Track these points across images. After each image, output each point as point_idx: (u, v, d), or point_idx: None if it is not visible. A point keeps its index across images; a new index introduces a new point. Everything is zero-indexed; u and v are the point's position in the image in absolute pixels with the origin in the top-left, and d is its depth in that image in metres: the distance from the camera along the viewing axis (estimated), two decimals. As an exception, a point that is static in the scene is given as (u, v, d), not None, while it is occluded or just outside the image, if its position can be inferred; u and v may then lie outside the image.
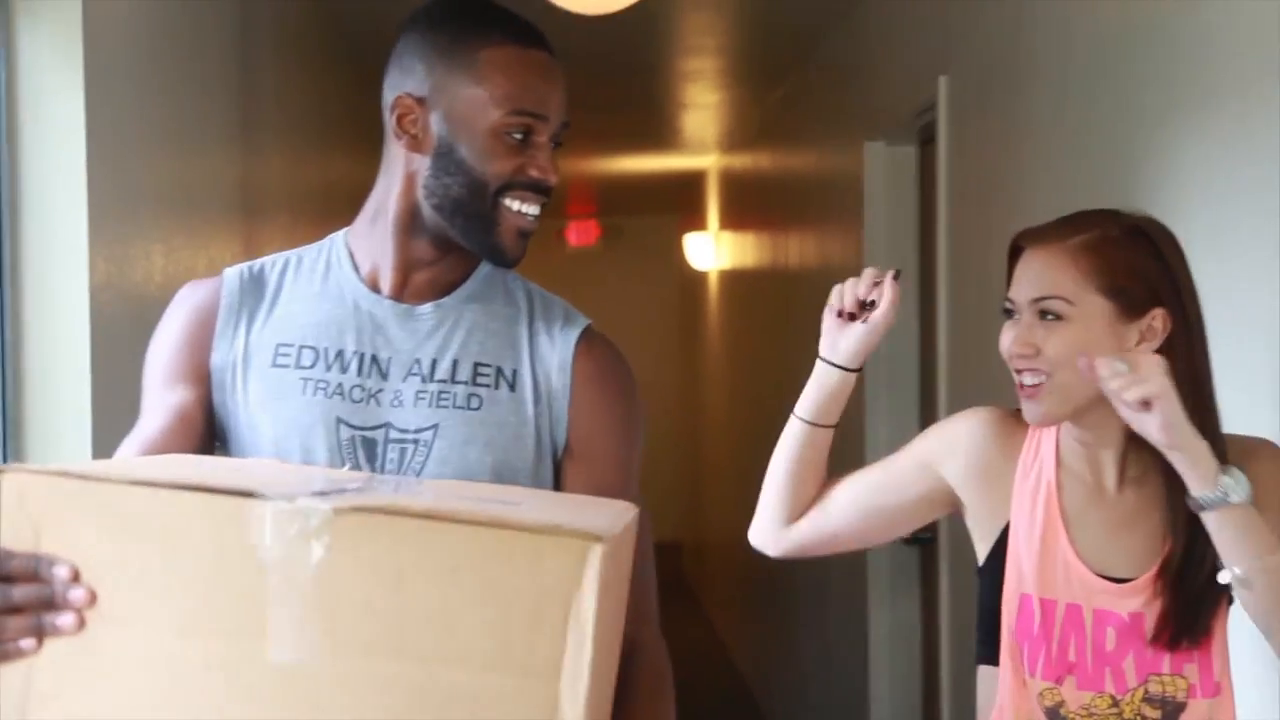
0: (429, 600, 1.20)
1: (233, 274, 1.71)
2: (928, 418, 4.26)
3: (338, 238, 1.75)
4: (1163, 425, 1.67)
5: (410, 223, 1.69)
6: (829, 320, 2.01)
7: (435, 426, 1.66)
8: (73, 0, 2.42)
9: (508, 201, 1.66)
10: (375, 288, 1.71)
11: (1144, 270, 1.79)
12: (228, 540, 1.21)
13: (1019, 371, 1.83)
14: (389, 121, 1.68)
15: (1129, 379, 1.68)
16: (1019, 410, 1.87)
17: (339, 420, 1.65)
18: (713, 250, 9.03)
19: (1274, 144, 2.11)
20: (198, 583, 1.22)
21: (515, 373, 1.71)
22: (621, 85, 6.30)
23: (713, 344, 9.27)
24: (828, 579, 5.44)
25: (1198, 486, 1.69)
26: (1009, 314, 1.85)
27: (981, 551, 1.91)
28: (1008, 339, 1.84)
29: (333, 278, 1.71)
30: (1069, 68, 2.96)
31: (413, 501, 1.27)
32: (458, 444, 1.66)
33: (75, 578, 1.24)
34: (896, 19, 4.37)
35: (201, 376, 1.66)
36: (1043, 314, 1.80)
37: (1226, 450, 1.75)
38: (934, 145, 3.90)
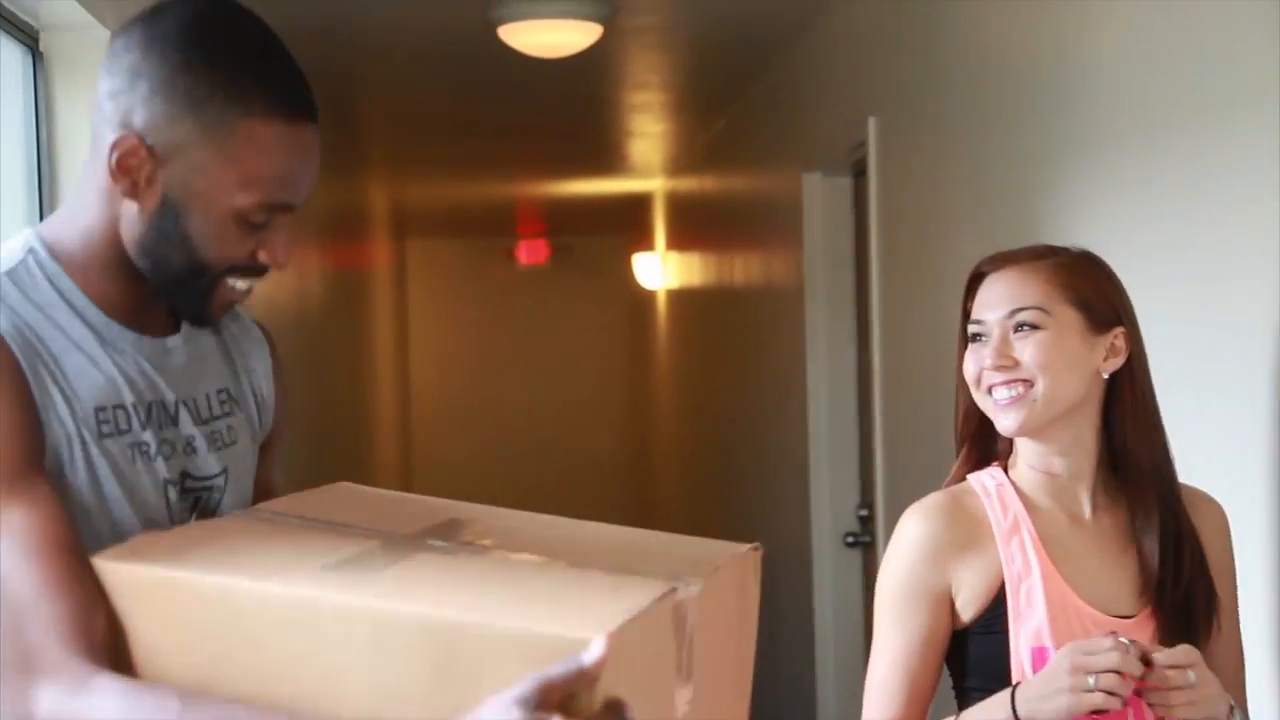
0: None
1: (4, 323, 1.39)
2: (866, 429, 4.59)
3: (38, 255, 1.46)
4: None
5: (123, 266, 1.46)
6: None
7: (225, 470, 1.55)
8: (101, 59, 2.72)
9: (230, 280, 1.48)
10: (121, 321, 1.48)
11: (1105, 290, 1.87)
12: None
13: (992, 388, 1.84)
14: (104, 154, 1.41)
15: (1195, 695, 1.71)
16: (947, 489, 1.91)
17: (167, 482, 1.49)
18: (660, 270, 9.15)
19: (1175, 179, 2.35)
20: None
21: (239, 392, 1.60)
22: (572, 115, 6.50)
23: (661, 361, 9.42)
24: (775, 583, 5.75)
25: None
26: (976, 338, 1.87)
27: (968, 614, 1.86)
28: (977, 359, 1.86)
29: (77, 316, 1.45)
30: (982, 110, 3.28)
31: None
32: (238, 480, 1.57)
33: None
34: (829, 62, 4.71)
35: (40, 455, 1.39)
36: (1019, 326, 1.84)
37: (1174, 479, 1.87)
38: (866, 178, 4.25)
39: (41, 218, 2.70)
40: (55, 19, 2.71)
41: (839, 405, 4.85)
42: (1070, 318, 1.84)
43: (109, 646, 1.33)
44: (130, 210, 1.43)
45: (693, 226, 7.97)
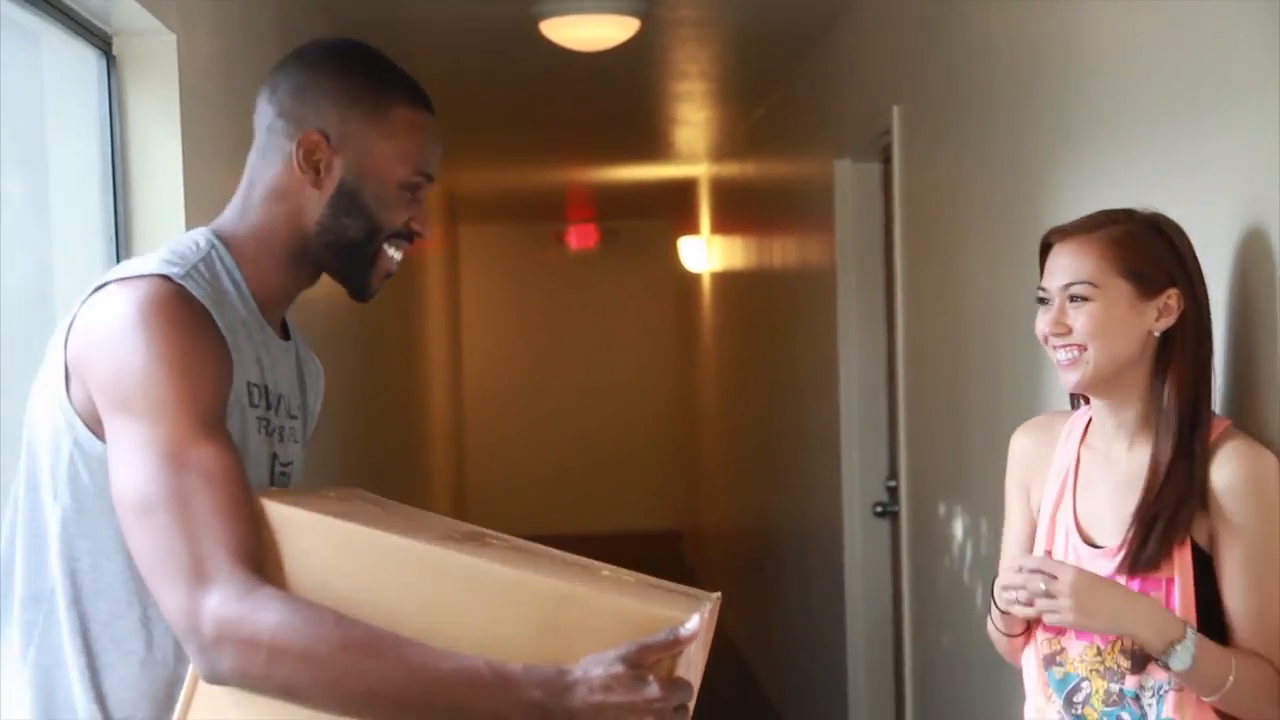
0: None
1: (198, 294, 1.65)
2: (895, 404, 4.78)
3: (218, 249, 1.73)
4: (1082, 629, 2.00)
5: (300, 251, 1.75)
6: None
7: (292, 462, 1.80)
8: (169, 61, 2.92)
9: (388, 248, 1.77)
10: (266, 315, 1.76)
11: (1159, 256, 2.05)
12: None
13: (1055, 349, 2.09)
14: (290, 152, 1.72)
15: (1048, 603, 1.97)
16: (1053, 411, 2.20)
17: (273, 456, 1.74)
18: (705, 253, 9.25)
19: (1175, 166, 2.44)
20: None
21: (301, 407, 1.85)
22: (619, 104, 6.68)
23: (707, 341, 9.54)
24: (809, 552, 5.95)
25: (1154, 648, 1.97)
26: (1043, 302, 2.11)
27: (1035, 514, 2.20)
28: (1043, 322, 2.09)
29: (242, 304, 1.72)
30: (995, 99, 3.45)
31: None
32: (299, 474, 1.83)
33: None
34: (858, 53, 4.89)
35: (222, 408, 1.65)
36: (1072, 298, 2.06)
37: (1206, 438, 2.01)
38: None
39: (116, 216, 2.89)
40: (126, 24, 2.88)
41: (869, 381, 5.04)
42: (1119, 289, 2.05)
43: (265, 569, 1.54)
44: (312, 197, 1.73)
45: (735, 211, 8.11)
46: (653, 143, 8.03)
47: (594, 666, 1.48)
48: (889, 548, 4.98)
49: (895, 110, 4.28)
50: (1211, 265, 2.18)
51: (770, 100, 6.52)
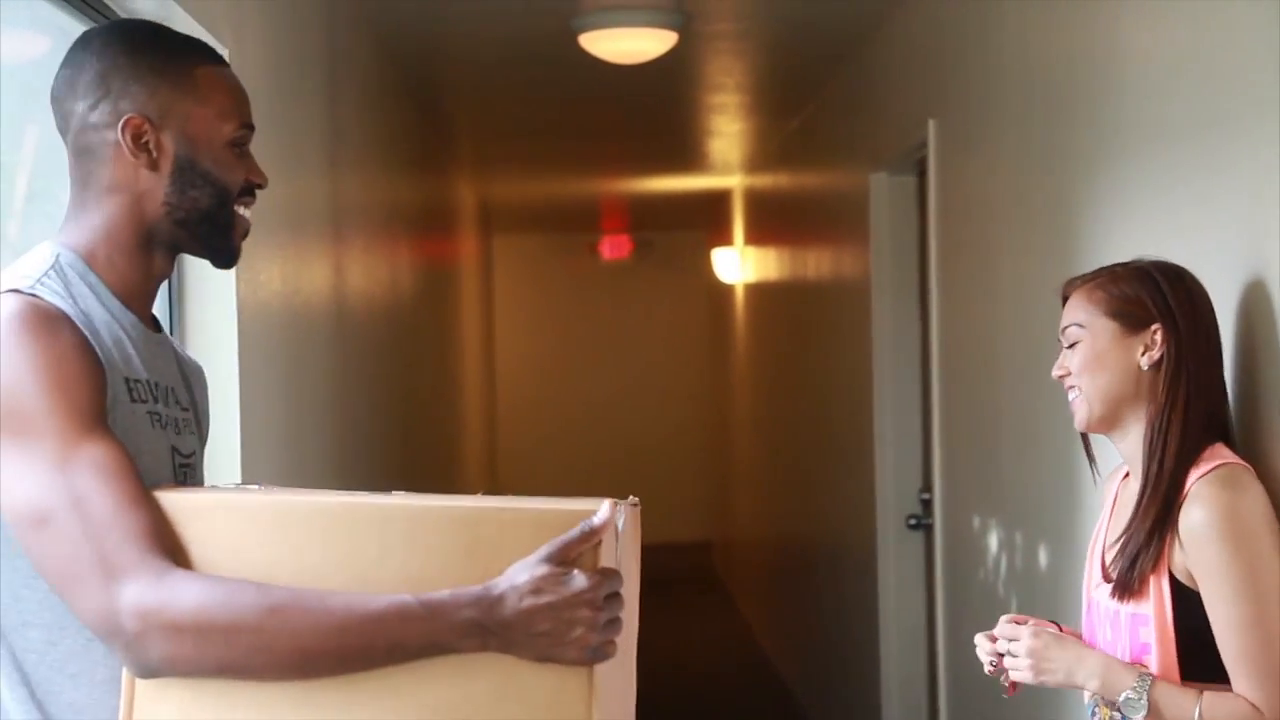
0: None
1: (61, 305, 1.62)
2: (929, 417, 4.81)
3: (65, 256, 1.69)
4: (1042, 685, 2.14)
5: (146, 243, 1.72)
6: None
7: (194, 452, 1.77)
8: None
9: (239, 209, 1.76)
10: (132, 310, 1.72)
11: (1142, 296, 2.17)
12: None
13: (1067, 391, 2.26)
14: (116, 142, 1.69)
15: (1011, 661, 2.14)
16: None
17: (173, 449, 1.70)
18: (739, 264, 9.28)
19: (1207, 182, 2.48)
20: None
21: (190, 402, 1.81)
22: (654, 115, 6.74)
23: (739, 352, 9.58)
24: (842, 564, 5.98)
25: (1109, 697, 2.08)
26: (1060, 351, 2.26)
27: None
28: (1053, 369, 2.27)
29: (104, 304, 1.68)
30: (1034, 113, 3.48)
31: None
32: (201, 467, 1.80)
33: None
34: (893, 67, 4.93)
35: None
36: (1069, 342, 2.23)
37: (1184, 471, 2.09)
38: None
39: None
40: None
41: (903, 393, 5.06)
42: (1105, 327, 2.19)
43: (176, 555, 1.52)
44: (151, 180, 1.70)
45: (769, 222, 8.15)
46: (687, 154, 8.08)
47: (519, 574, 1.49)
48: (923, 560, 5.00)
49: (930, 124, 4.31)
50: (1269, 279, 2.20)
51: (805, 113, 6.56)
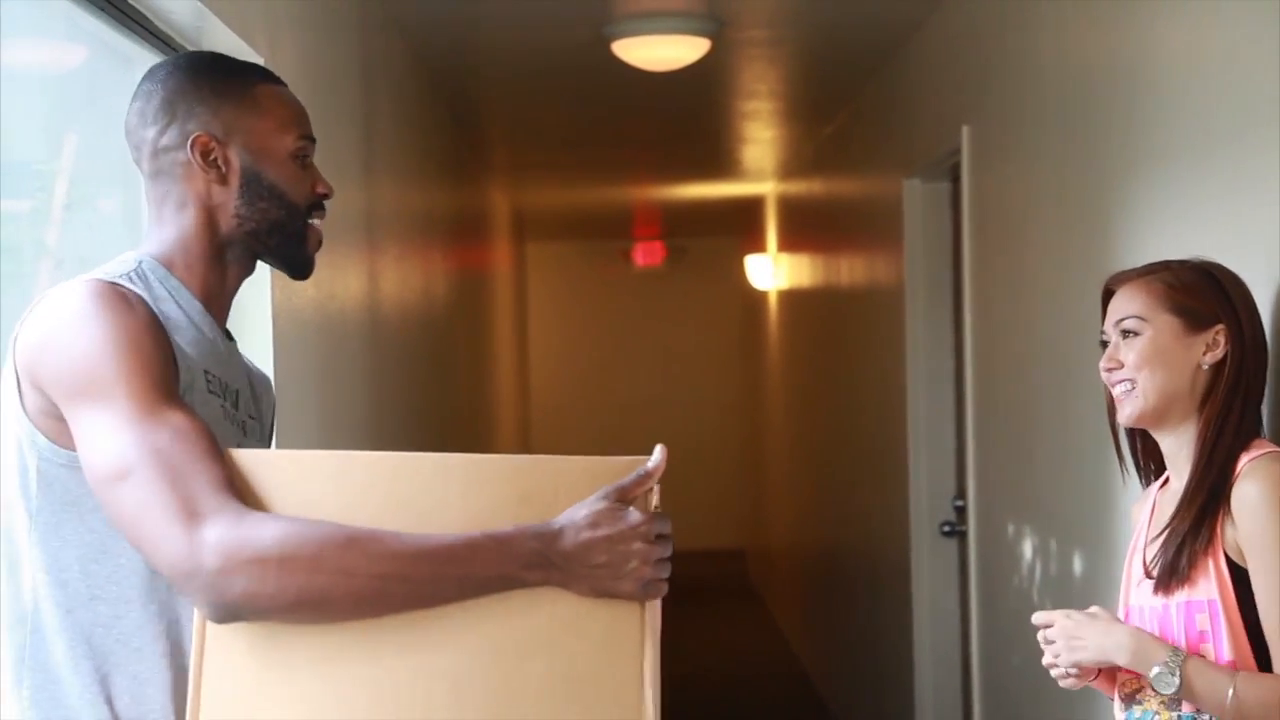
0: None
1: (138, 291, 1.72)
2: (962, 423, 4.80)
3: (147, 263, 1.78)
4: (1079, 664, 2.14)
5: (221, 253, 1.81)
6: None
7: None
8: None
9: (312, 219, 1.85)
10: (211, 313, 1.82)
11: (1206, 295, 2.16)
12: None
13: (1113, 385, 2.21)
14: (187, 161, 1.78)
15: (1049, 648, 2.15)
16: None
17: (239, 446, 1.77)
18: (772, 271, 9.28)
19: (1239, 189, 2.51)
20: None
21: (257, 412, 1.89)
22: (686, 122, 6.74)
23: (772, 359, 9.58)
24: (876, 571, 5.97)
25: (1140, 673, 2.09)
26: (1105, 345, 2.24)
27: None
28: (1102, 360, 2.23)
29: (183, 305, 1.78)
30: (1068, 119, 3.48)
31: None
32: None
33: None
34: (926, 74, 4.93)
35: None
36: (1124, 333, 2.19)
37: (1235, 459, 2.09)
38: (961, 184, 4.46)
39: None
40: (215, 45, 2.89)
41: (937, 400, 5.05)
42: (1167, 323, 2.16)
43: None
44: (222, 194, 1.80)
45: (802, 229, 8.15)
46: (720, 161, 8.09)
47: (577, 510, 1.59)
48: (957, 567, 4.98)
49: (964, 130, 4.31)
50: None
51: (839, 119, 6.56)
